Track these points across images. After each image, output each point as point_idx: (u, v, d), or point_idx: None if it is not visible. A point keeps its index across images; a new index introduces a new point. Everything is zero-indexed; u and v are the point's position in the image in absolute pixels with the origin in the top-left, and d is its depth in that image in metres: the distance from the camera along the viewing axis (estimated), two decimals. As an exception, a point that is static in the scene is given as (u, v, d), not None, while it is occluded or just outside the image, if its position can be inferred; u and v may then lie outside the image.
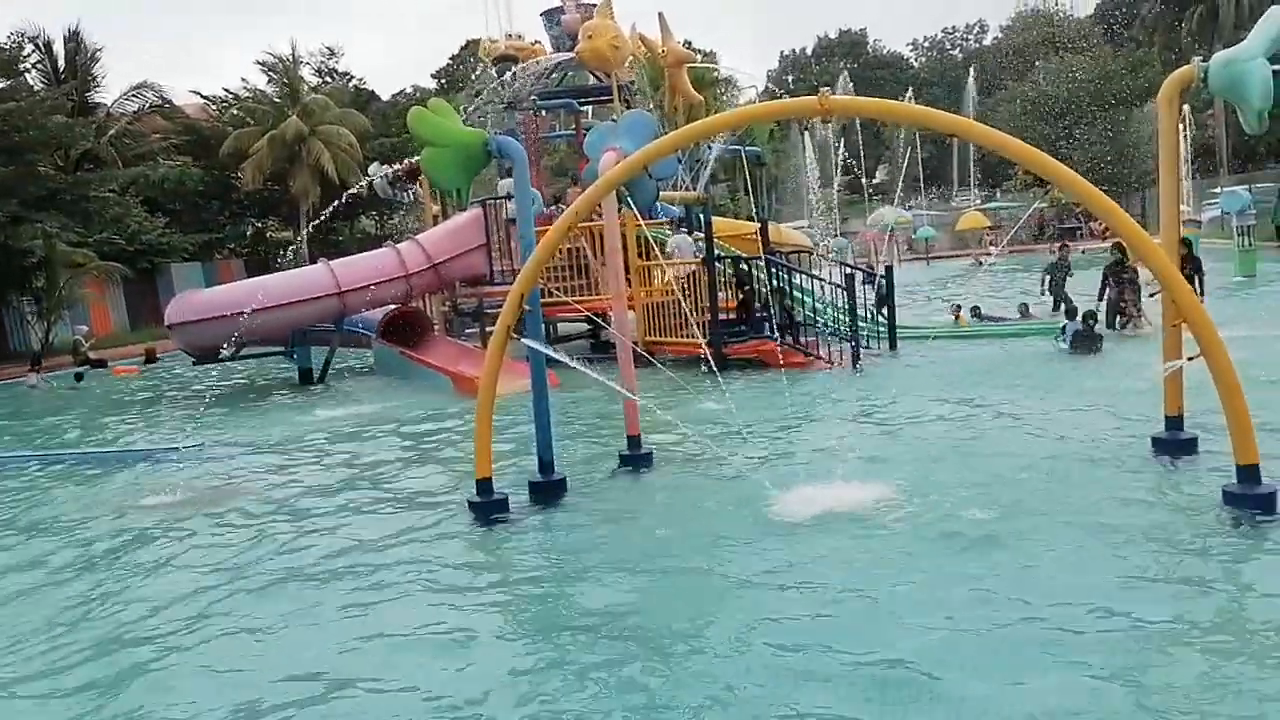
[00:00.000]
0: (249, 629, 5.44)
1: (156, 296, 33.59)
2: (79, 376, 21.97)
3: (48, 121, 26.11)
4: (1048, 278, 18.11)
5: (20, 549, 7.66)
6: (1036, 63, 65.30)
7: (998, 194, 57.57)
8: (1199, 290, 13.76)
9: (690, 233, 16.52)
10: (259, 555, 6.82)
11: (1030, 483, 7.02)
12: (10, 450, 12.63)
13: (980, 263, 34.98)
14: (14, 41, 32.16)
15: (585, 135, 14.58)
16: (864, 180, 50.16)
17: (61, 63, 36.38)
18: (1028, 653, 4.34)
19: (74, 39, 36.44)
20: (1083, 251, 30.23)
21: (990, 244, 41.53)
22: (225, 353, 15.82)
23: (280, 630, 5.39)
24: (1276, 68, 6.54)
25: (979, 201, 54.09)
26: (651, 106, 19.85)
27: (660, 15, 20.30)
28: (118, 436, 13.54)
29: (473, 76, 31.22)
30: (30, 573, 6.93)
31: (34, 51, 34.93)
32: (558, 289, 15.51)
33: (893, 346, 14.57)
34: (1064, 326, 13.82)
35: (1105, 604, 4.74)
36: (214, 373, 19.18)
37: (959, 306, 17.34)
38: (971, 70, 57.27)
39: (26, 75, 31.90)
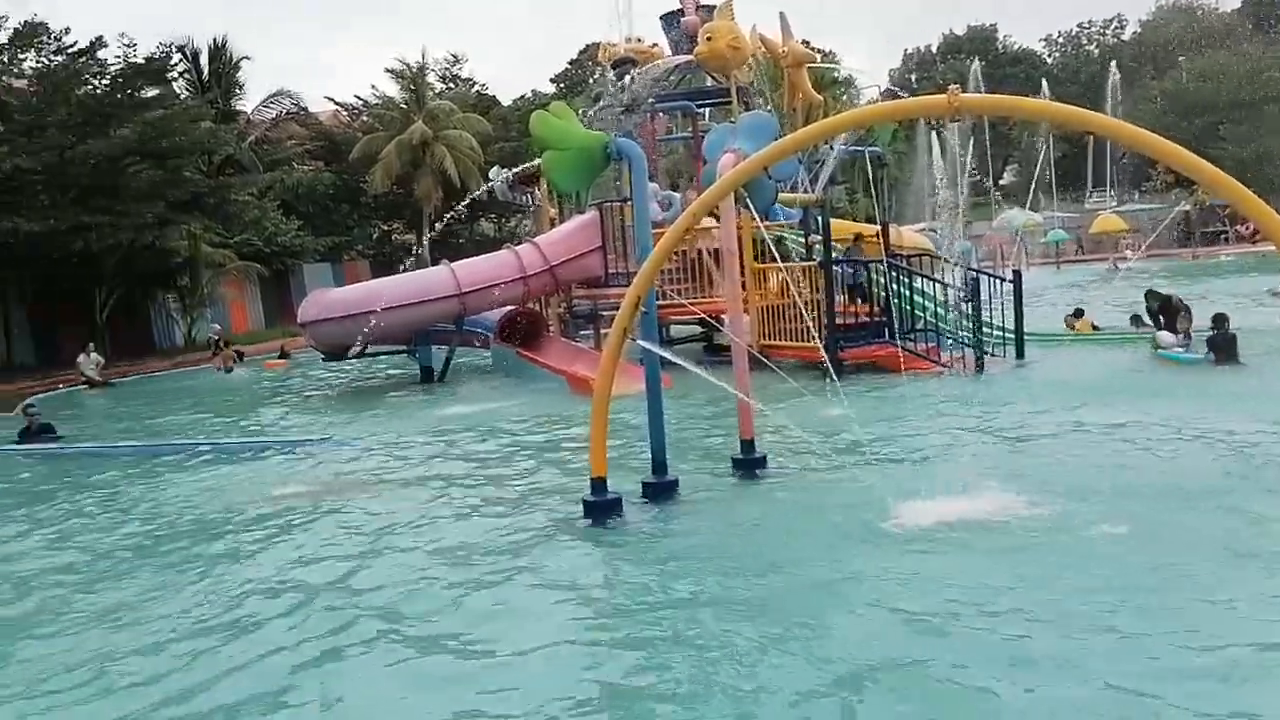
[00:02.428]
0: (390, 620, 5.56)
1: (289, 295, 34.98)
2: (228, 370, 23.66)
3: (193, 128, 27.45)
4: None
5: (157, 531, 8.04)
6: (1179, 59, 62.34)
7: (1136, 195, 55.10)
8: None
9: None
10: (379, 547, 6.99)
11: (1168, 500, 6.65)
12: (152, 441, 13.37)
13: (1117, 267, 33.46)
14: (163, 51, 34.01)
15: (703, 137, 14.52)
16: (990, 182, 48.60)
17: (206, 71, 38.33)
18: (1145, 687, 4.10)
19: (220, 49, 38.35)
20: (1225, 256, 28.69)
21: (1127, 248, 39.74)
22: (354, 350, 16.36)
23: (401, 625, 5.50)
24: None
25: (1115, 203, 51.85)
26: (769, 108, 19.63)
27: (781, 15, 20.09)
28: (259, 427, 14.18)
29: (591, 80, 31.52)
30: (161, 552, 7.27)
31: (181, 60, 36.86)
32: (672, 291, 15.49)
33: (1019, 354, 14.04)
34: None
35: (1246, 637, 4.45)
36: (345, 369, 19.82)
37: (1080, 312, 16.64)
38: (1114, 65, 54.75)
39: (174, 84, 33.61)
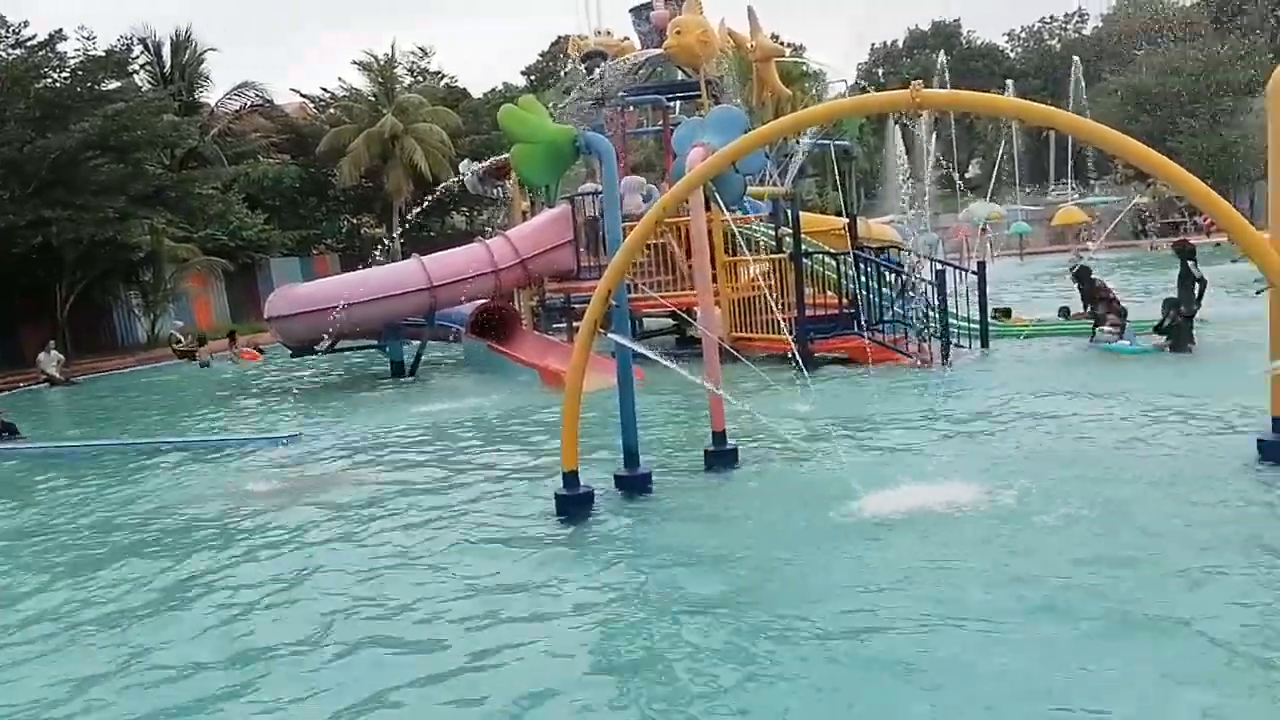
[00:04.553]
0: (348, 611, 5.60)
1: (256, 290, 34.62)
2: (204, 365, 23.73)
3: (155, 121, 27.07)
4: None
5: (132, 530, 8.00)
6: (1138, 53, 63.13)
7: (1096, 188, 55.82)
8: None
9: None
10: (348, 547, 6.98)
11: (1125, 486, 6.82)
12: (128, 439, 13.25)
13: (1079, 258, 33.88)
14: (124, 43, 33.49)
15: (673, 131, 14.60)
16: (956, 175, 49.04)
17: (168, 64, 37.87)
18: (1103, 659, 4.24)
19: (184, 41, 37.91)
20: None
21: (1088, 239, 40.24)
22: (321, 345, 16.25)
23: (362, 619, 5.54)
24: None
25: (1076, 196, 52.47)
26: (738, 101, 19.73)
27: (750, 9, 20.21)
28: (228, 423, 14.12)
29: (562, 73, 31.48)
30: (137, 555, 7.24)
31: (143, 53, 36.35)
32: (644, 285, 15.54)
33: (984, 344, 14.27)
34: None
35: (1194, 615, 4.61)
36: (319, 364, 19.64)
37: (1008, 311, 16.92)
38: (1076, 60, 55.29)
39: (135, 76, 33.10)
